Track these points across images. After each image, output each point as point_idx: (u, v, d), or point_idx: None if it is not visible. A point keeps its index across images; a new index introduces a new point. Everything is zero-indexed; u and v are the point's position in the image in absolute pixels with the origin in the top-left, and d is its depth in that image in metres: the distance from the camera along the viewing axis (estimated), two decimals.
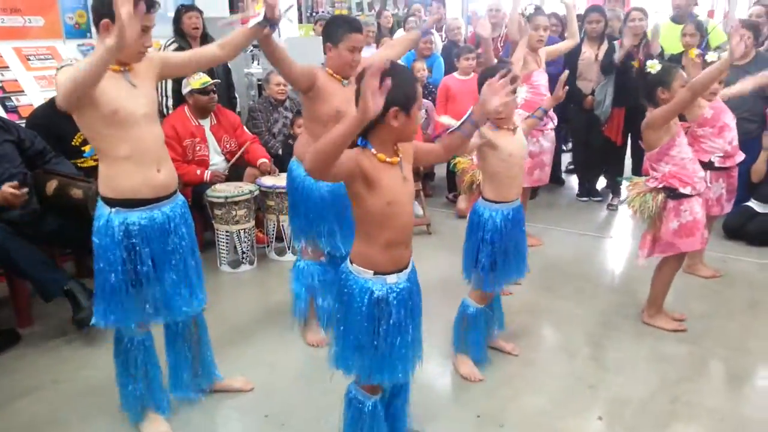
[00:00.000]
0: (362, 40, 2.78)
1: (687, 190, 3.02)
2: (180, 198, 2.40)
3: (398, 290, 1.92)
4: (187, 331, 2.55)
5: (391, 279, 1.91)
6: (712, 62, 3.12)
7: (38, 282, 3.14)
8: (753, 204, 4.57)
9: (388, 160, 1.82)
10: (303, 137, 2.98)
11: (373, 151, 1.80)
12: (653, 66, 2.99)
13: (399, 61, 5.83)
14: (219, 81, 4.41)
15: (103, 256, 2.21)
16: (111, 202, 2.21)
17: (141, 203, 2.22)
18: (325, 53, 2.82)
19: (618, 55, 4.86)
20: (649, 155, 3.10)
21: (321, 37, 2.86)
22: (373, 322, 1.90)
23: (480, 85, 2.60)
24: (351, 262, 1.93)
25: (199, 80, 4.21)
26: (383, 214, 1.83)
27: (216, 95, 4.32)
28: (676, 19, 5.22)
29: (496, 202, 2.74)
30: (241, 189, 4.05)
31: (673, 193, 3.04)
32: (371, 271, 1.89)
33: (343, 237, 2.92)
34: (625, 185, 3.29)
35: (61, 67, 2.11)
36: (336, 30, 2.75)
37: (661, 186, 3.06)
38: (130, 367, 2.38)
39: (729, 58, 2.89)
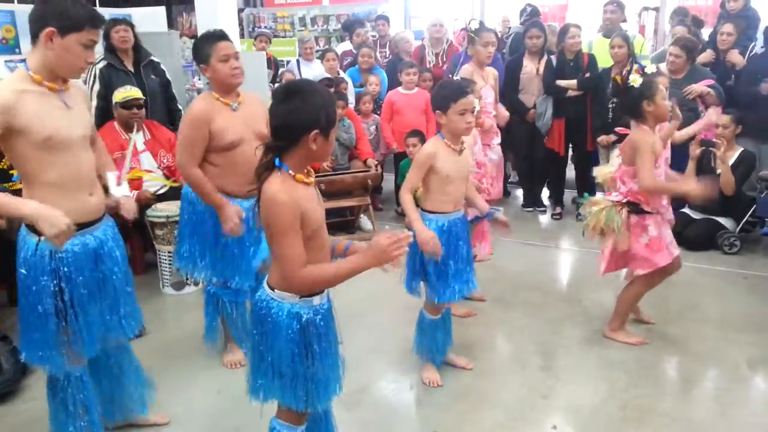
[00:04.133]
0: (230, 47, 2.74)
1: (649, 208, 3.05)
2: (110, 220, 2.29)
3: (323, 311, 1.87)
4: (110, 361, 2.40)
5: (316, 300, 1.85)
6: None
7: None
8: (688, 211, 4.76)
9: (305, 180, 1.77)
10: (199, 169, 2.78)
11: (290, 172, 1.74)
12: (635, 80, 3.01)
13: (342, 75, 5.86)
14: (143, 98, 4.21)
15: (30, 288, 2.06)
16: (39, 231, 2.03)
17: None
18: (206, 76, 2.81)
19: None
20: (625, 169, 3.07)
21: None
22: (305, 348, 1.83)
23: (433, 99, 2.68)
24: (271, 289, 1.84)
25: (122, 93, 4.11)
26: (310, 239, 1.78)
27: (142, 111, 4.17)
28: (607, 34, 5.40)
29: (432, 213, 2.77)
30: None
31: (635, 209, 3.06)
32: (297, 295, 1.82)
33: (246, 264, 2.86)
34: (585, 205, 3.25)
35: None
36: (202, 48, 2.73)
37: (624, 201, 3.07)
38: (68, 405, 2.20)
39: (685, 188, 3.02)
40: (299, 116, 1.70)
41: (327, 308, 1.90)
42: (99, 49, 4.50)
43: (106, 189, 2.40)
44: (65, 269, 2.07)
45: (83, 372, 2.25)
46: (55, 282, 2.06)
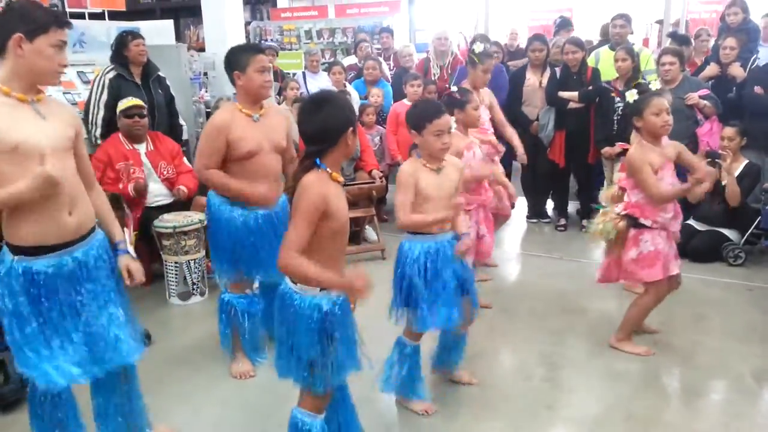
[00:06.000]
0: (267, 61, 2.90)
1: (647, 222, 3.07)
2: (98, 238, 2.17)
3: (341, 302, 2.01)
4: (114, 383, 2.30)
5: (334, 292, 1.99)
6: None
7: None
8: (693, 222, 4.76)
9: (338, 179, 1.95)
10: (214, 169, 2.85)
11: (328, 170, 1.92)
12: (632, 95, 3.10)
13: (348, 88, 5.90)
14: (145, 106, 4.27)
15: (5, 305, 1.99)
16: (15, 249, 2.00)
17: (47, 250, 2.01)
18: (234, 83, 2.87)
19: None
20: (627, 181, 3.13)
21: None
22: (325, 336, 1.97)
23: (408, 118, 2.66)
24: (293, 282, 1.99)
25: (126, 102, 4.19)
26: (337, 233, 1.95)
27: (143, 120, 4.20)
28: (613, 47, 5.44)
29: (414, 234, 2.61)
30: (190, 218, 3.96)
31: (634, 222, 3.10)
32: (317, 288, 1.96)
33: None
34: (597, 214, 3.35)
35: None
36: (242, 56, 2.84)
37: (624, 213, 3.13)
38: (45, 425, 2.14)
39: (689, 188, 3.00)
40: (336, 120, 1.91)
41: (343, 300, 2.02)
42: (104, 60, 4.62)
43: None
44: (36, 290, 1.99)
45: (64, 390, 2.13)
46: (26, 302, 1.99)
